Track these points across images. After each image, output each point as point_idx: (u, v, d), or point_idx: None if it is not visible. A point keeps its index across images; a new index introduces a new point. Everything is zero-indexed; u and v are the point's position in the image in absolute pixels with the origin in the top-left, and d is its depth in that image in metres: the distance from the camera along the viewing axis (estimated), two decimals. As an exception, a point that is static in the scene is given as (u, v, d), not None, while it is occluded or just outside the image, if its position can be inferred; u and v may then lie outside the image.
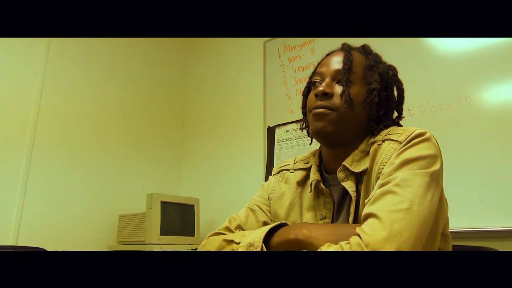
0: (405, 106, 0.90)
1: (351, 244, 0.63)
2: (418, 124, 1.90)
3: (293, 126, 2.28)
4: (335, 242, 0.65)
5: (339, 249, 0.63)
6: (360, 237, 0.63)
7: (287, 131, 2.31)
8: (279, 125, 2.35)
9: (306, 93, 0.94)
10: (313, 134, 0.86)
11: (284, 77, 2.39)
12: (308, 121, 0.88)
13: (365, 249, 0.60)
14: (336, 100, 0.82)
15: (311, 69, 0.94)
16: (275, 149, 2.33)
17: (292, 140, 2.27)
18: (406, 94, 0.89)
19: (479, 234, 1.56)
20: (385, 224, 0.63)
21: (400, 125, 0.90)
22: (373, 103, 0.83)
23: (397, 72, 0.90)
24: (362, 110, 0.83)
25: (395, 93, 0.89)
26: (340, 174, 0.81)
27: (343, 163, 0.81)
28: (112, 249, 2.22)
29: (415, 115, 1.81)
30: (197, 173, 2.75)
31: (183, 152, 2.86)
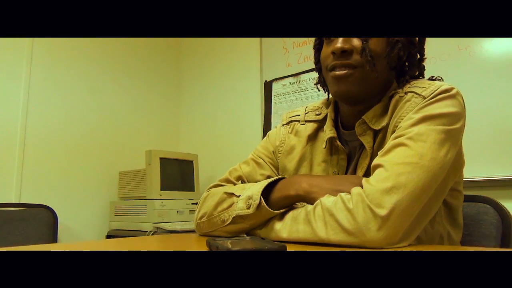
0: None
1: (352, 194, 0.62)
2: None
3: (291, 80, 2.26)
4: (335, 195, 0.65)
5: (339, 199, 0.63)
6: (363, 187, 0.63)
7: (284, 85, 2.28)
8: (276, 79, 2.32)
9: (317, 46, 0.87)
10: (335, 97, 0.81)
11: (281, 29, 2.33)
12: (326, 80, 0.82)
13: (365, 199, 0.60)
14: (357, 57, 0.75)
15: (310, 20, 0.88)
16: (272, 103, 2.32)
17: (290, 94, 2.25)
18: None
19: (480, 184, 1.58)
20: (391, 175, 0.61)
21: (423, 70, 0.85)
22: (397, 55, 0.76)
23: None
24: (385, 64, 0.77)
25: None
26: (358, 129, 0.77)
27: (363, 117, 0.77)
28: (114, 205, 2.26)
29: (414, 66, 1.78)
30: (195, 129, 2.75)
31: (181, 108, 2.84)
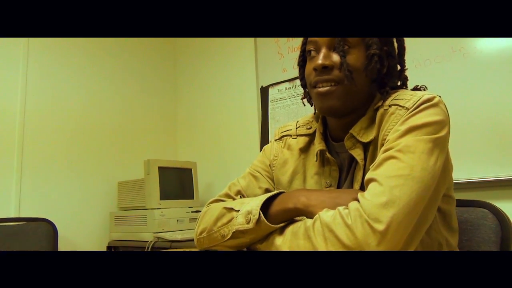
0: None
1: (350, 210, 0.63)
2: (411, 78, 1.89)
3: (287, 85, 2.26)
4: (334, 209, 0.66)
5: (337, 214, 0.64)
6: (359, 202, 0.63)
7: (280, 90, 2.29)
8: (272, 85, 2.32)
9: (301, 63, 0.89)
10: (321, 112, 0.83)
11: (275, 35, 2.34)
12: (311, 96, 0.84)
13: (363, 215, 0.61)
14: (337, 72, 0.77)
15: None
16: (269, 109, 2.33)
17: (286, 99, 2.26)
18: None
19: (477, 185, 1.59)
20: (385, 189, 0.62)
21: (406, 80, 0.87)
22: (375, 68, 0.78)
23: None
24: (364, 77, 0.78)
25: (395, 44, 0.84)
26: (348, 143, 0.79)
27: (350, 131, 0.79)
28: (114, 215, 2.26)
29: (408, 69, 1.77)
30: (193, 136, 2.75)
31: (178, 116, 2.84)
